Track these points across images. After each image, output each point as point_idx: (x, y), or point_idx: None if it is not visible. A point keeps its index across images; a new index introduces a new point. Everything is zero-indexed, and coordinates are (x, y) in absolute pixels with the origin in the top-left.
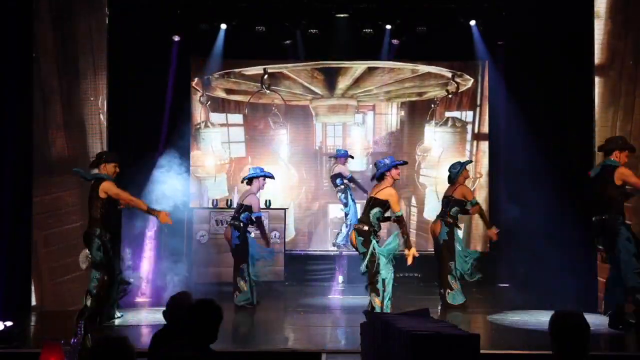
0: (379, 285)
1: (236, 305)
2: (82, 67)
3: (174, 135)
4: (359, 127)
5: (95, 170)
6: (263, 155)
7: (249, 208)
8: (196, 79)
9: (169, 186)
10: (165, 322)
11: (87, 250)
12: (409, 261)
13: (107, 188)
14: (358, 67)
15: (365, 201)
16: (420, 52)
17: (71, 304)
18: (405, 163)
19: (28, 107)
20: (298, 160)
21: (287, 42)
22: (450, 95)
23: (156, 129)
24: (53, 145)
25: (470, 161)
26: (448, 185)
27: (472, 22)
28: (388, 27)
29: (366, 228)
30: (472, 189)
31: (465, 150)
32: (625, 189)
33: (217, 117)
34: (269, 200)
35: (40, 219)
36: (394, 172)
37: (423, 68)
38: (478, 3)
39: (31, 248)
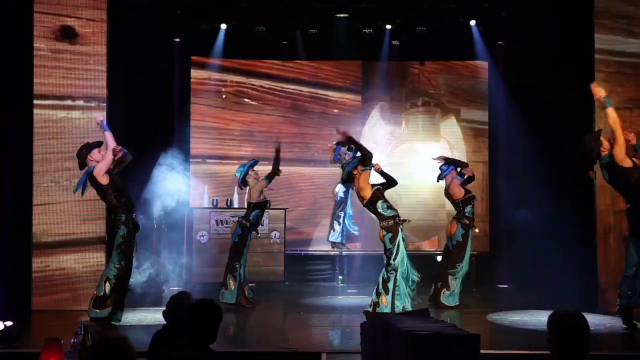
0: (390, 284)
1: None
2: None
3: (174, 135)
4: None
5: (85, 169)
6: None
7: (258, 205)
8: (196, 79)
9: (169, 186)
10: (165, 322)
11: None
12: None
13: (97, 171)
14: None
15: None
16: (420, 52)
17: (71, 304)
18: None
19: (28, 107)
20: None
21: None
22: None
23: (156, 129)
24: None
25: (457, 162)
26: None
27: (472, 22)
28: (388, 27)
29: (391, 222)
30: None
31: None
32: None
33: (216, 117)
34: (269, 201)
35: (40, 219)
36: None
37: None
38: (478, 3)
39: (31, 248)
